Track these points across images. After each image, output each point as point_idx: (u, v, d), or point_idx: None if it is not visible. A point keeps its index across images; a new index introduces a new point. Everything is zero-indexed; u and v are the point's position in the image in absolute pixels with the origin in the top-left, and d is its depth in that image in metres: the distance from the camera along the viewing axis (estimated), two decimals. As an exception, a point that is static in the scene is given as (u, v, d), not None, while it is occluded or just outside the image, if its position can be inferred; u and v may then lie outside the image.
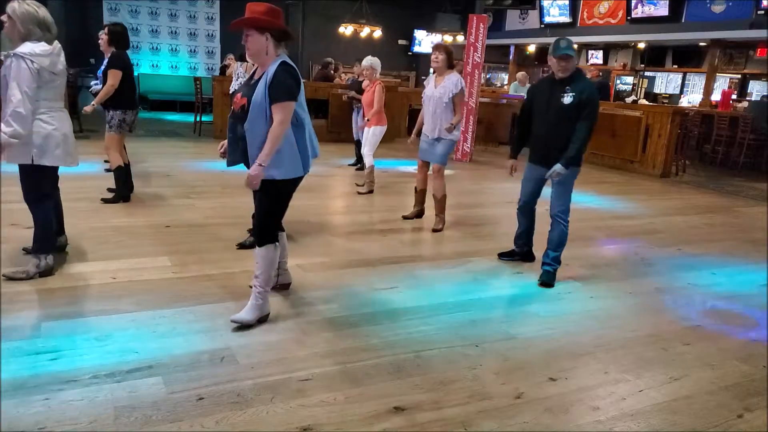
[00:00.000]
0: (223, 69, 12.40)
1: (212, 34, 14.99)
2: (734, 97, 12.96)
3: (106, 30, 5.38)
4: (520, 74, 12.01)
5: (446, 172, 5.31)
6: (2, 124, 3.25)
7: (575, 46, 3.92)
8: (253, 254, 3.12)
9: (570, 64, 3.80)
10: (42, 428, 2.16)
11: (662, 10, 12.24)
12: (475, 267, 4.36)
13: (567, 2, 14.24)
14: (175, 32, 14.51)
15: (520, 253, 4.47)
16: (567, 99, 3.81)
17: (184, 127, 11.61)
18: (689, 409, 2.60)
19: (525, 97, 4.24)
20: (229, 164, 3.12)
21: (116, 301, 3.29)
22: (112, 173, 5.50)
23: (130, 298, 3.34)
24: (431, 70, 5.24)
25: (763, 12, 10.51)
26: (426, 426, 2.34)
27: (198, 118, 10.62)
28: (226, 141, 3.16)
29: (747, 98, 13.11)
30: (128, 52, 5.52)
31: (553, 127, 3.88)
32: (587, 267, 4.42)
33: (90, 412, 2.27)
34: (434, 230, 5.20)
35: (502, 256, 4.52)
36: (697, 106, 11.95)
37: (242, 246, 4.39)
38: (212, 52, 15.08)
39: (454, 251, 4.73)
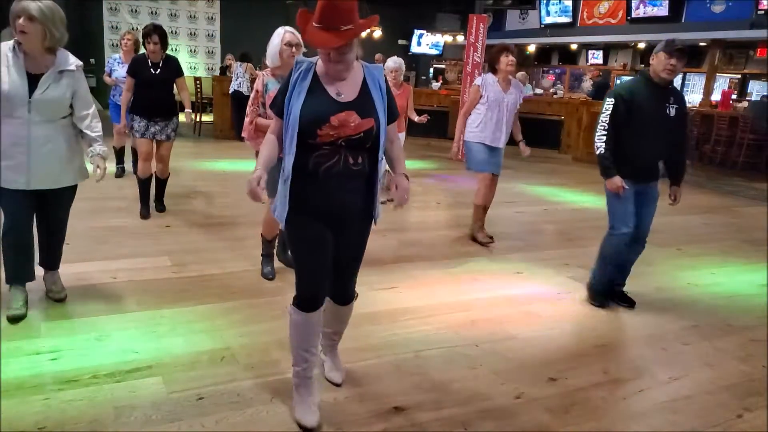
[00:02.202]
0: (224, 70, 12.42)
1: (212, 34, 14.98)
2: (734, 97, 12.95)
3: (156, 37, 4.75)
4: (520, 74, 11.96)
5: (446, 173, 5.30)
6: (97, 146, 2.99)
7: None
8: (338, 312, 2.57)
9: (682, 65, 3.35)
10: (42, 428, 2.16)
11: (662, 10, 12.25)
12: (475, 267, 4.35)
13: (568, 2, 14.24)
14: (176, 32, 14.49)
15: (618, 294, 3.82)
16: (672, 111, 3.43)
17: (183, 127, 11.57)
18: (689, 409, 2.60)
19: (615, 104, 3.42)
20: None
21: (116, 301, 3.29)
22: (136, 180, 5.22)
23: (130, 298, 3.34)
24: (491, 74, 4.93)
25: (763, 12, 10.51)
26: (426, 426, 2.34)
27: (198, 118, 10.61)
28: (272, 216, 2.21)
29: (747, 98, 13.09)
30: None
31: (660, 141, 3.48)
32: (587, 267, 4.41)
33: (90, 412, 2.27)
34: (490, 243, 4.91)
35: (596, 300, 3.75)
36: (697, 106, 11.92)
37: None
38: (212, 52, 15.07)
39: (454, 251, 4.72)
